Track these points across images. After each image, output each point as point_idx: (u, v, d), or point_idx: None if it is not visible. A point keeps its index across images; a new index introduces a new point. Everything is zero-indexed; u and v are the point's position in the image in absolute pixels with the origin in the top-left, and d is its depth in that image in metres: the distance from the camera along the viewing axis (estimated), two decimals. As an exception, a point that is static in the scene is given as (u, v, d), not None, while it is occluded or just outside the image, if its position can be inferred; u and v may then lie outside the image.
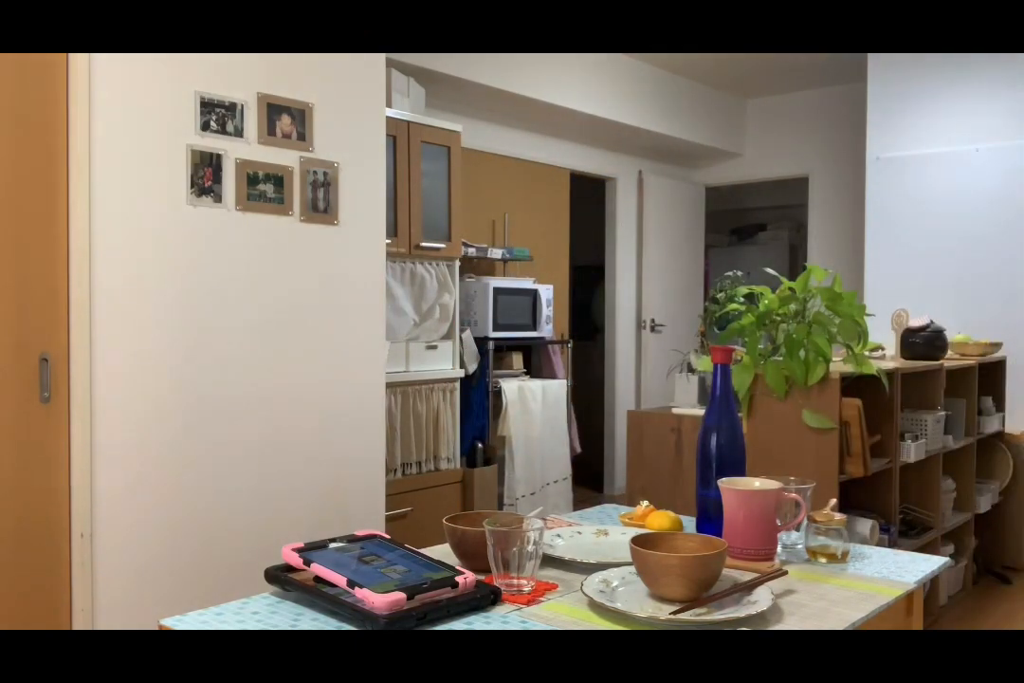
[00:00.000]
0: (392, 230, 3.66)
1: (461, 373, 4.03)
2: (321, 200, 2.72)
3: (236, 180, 2.51)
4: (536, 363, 4.78)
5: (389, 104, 3.69)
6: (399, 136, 3.71)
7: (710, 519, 1.48)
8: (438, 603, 1.14)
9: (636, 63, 5.33)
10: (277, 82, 2.61)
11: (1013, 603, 3.69)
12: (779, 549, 1.42)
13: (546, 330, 4.62)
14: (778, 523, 1.39)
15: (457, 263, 4.02)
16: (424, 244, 3.80)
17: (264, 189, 2.57)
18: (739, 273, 3.49)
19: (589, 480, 5.98)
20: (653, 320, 6.09)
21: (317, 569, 1.19)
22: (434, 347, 3.90)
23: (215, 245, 2.49)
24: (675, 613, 1.12)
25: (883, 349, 3.54)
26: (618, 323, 5.99)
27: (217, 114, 2.47)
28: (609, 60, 5.12)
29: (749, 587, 1.21)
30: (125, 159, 2.30)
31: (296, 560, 1.23)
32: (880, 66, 4.67)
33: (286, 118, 2.62)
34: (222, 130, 2.48)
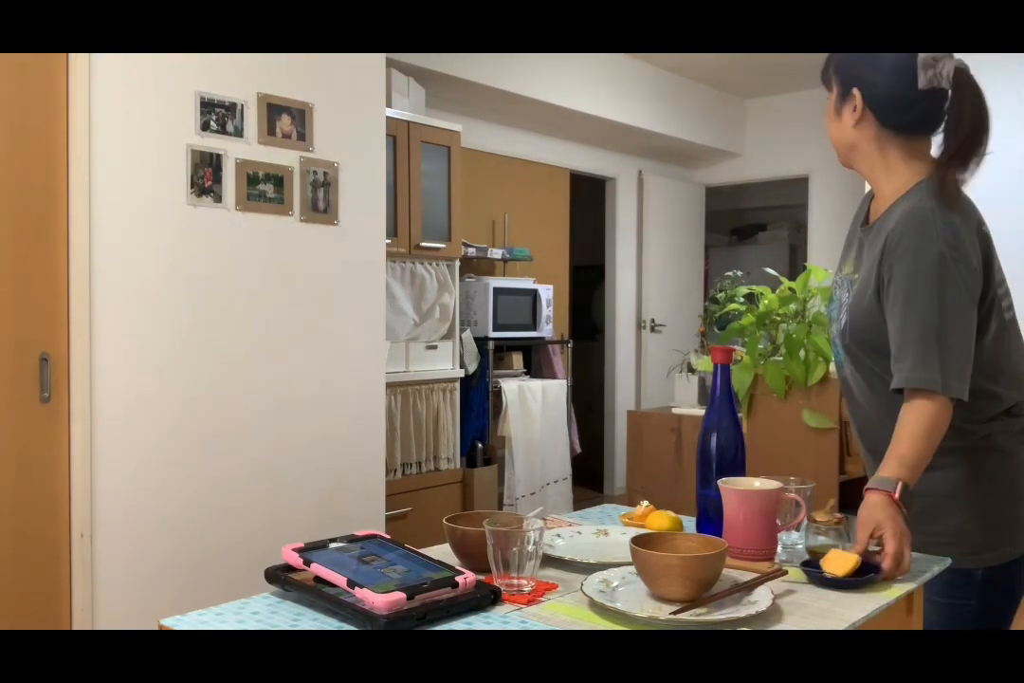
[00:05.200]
0: (392, 230, 3.66)
1: (461, 373, 4.03)
2: (321, 200, 2.72)
3: (236, 180, 2.51)
4: (536, 363, 4.78)
5: (389, 104, 3.69)
6: (399, 136, 3.71)
7: (710, 519, 1.47)
8: (438, 603, 1.14)
9: (636, 63, 5.32)
10: (277, 82, 2.61)
11: (1013, 603, 3.68)
12: (779, 549, 1.42)
13: (546, 330, 4.62)
14: (778, 523, 1.39)
15: (457, 263, 4.02)
16: (424, 244, 3.80)
17: (264, 189, 2.57)
18: (739, 273, 3.49)
19: (589, 480, 5.98)
20: (653, 320, 6.09)
21: (317, 569, 1.19)
22: (434, 347, 3.90)
23: (215, 245, 2.48)
24: (675, 613, 1.12)
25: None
26: (618, 323, 5.98)
27: (217, 114, 2.47)
28: (609, 60, 5.12)
29: (749, 587, 1.21)
30: (125, 159, 2.30)
31: (296, 560, 1.23)
32: (880, 66, 4.66)
33: (286, 118, 2.62)
34: (222, 130, 2.48)
